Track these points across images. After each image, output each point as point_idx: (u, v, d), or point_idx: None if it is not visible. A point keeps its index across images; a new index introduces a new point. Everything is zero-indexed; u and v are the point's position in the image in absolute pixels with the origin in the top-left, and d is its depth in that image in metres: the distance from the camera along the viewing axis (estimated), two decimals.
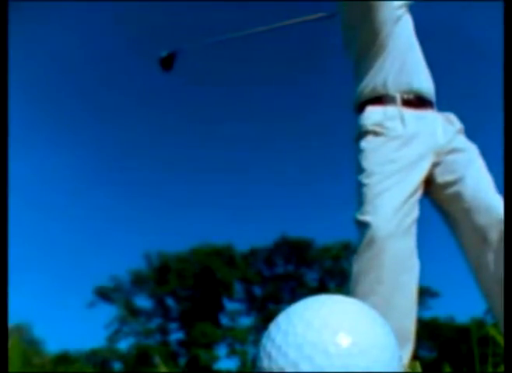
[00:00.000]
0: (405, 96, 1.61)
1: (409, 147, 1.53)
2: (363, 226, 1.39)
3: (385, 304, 1.28)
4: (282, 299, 21.13)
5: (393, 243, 1.36)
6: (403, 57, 1.66)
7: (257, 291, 22.19)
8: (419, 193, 1.51)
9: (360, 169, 1.52)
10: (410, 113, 1.59)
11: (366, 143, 1.56)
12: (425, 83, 1.68)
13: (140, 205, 28.54)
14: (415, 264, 1.43)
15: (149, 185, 31.01)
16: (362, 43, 1.69)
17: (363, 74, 1.68)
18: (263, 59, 28.78)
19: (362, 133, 1.59)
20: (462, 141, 1.63)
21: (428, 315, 19.76)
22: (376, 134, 1.55)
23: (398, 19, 1.69)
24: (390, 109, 1.58)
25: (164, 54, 1.79)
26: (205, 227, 29.59)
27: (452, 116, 1.68)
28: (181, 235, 30.21)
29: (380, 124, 1.56)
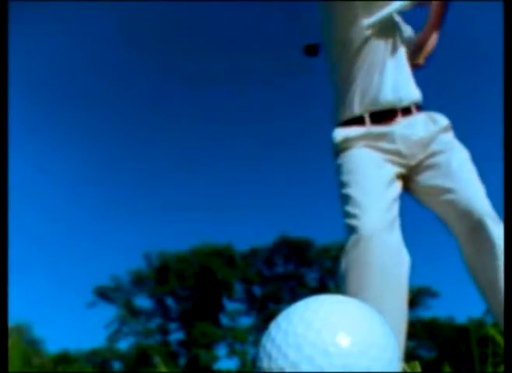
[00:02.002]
0: (373, 113, 1.64)
1: (377, 149, 1.60)
2: (351, 228, 1.43)
3: (374, 302, 1.28)
4: (282, 299, 21.15)
5: (379, 238, 1.38)
6: (370, 76, 1.66)
7: (257, 290, 22.21)
8: (395, 189, 1.55)
9: (341, 184, 1.56)
10: (379, 129, 1.62)
11: (340, 159, 1.62)
12: (394, 93, 1.66)
13: (140, 205, 28.54)
14: (404, 258, 1.44)
15: (149, 185, 30.99)
16: (333, 63, 1.75)
17: (334, 96, 1.76)
18: (264, 59, 28.81)
19: (335, 153, 1.66)
20: (443, 142, 1.61)
21: (428, 315, 19.78)
22: (346, 148, 1.62)
23: (367, 39, 1.66)
24: (358, 129, 1.63)
25: (311, 42, 1.75)
26: (205, 227, 29.58)
27: (436, 115, 1.66)
28: (181, 235, 30.19)
29: (346, 139, 1.62)
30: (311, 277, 22.00)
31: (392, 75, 1.66)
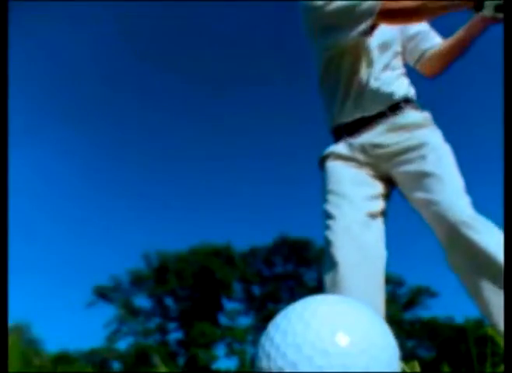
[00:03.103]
0: (348, 124, 1.66)
1: (351, 160, 1.63)
2: (325, 227, 1.53)
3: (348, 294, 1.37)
4: (281, 299, 21.15)
5: (348, 236, 1.46)
6: (346, 88, 1.67)
7: (257, 290, 22.23)
8: (368, 188, 1.58)
9: (323, 193, 1.63)
10: (351, 140, 1.64)
11: (323, 171, 1.67)
12: (356, 104, 1.66)
13: (139, 205, 28.55)
14: (378, 253, 1.49)
15: (149, 185, 31.03)
16: (319, 76, 1.76)
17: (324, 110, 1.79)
18: (266, 58, 28.81)
19: (320, 165, 1.71)
20: (411, 147, 1.58)
21: (427, 315, 19.81)
22: (325, 161, 1.68)
23: (344, 52, 1.66)
24: (339, 144, 1.67)
25: None
26: (204, 227, 29.64)
27: (405, 116, 1.62)
28: (180, 235, 30.24)
29: (328, 153, 1.68)
30: (310, 276, 22.05)
31: (360, 87, 1.64)
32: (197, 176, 31.52)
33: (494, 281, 1.32)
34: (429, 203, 1.47)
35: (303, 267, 22.23)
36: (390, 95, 1.64)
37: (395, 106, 1.63)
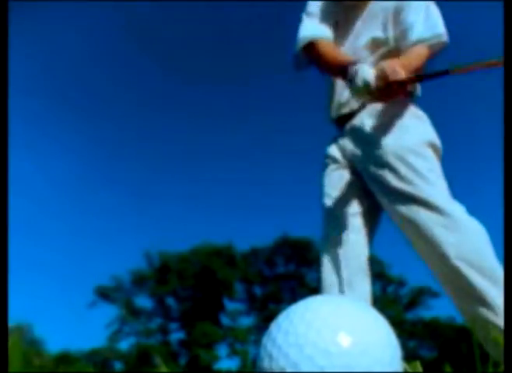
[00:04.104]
0: (334, 121, 1.69)
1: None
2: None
3: (328, 291, 1.59)
4: (282, 299, 21.13)
5: (338, 240, 1.59)
6: (334, 83, 1.69)
7: (258, 290, 22.21)
8: (351, 190, 1.61)
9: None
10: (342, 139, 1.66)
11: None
12: (336, 101, 1.68)
13: (140, 205, 28.55)
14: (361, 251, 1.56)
15: (150, 185, 31.05)
16: None
17: None
18: (269, 57, 28.82)
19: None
20: (357, 152, 1.60)
21: (429, 315, 19.79)
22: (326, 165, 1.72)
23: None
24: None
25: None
26: (206, 227, 29.63)
27: (381, 112, 1.58)
28: (182, 235, 30.25)
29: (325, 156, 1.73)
30: (312, 277, 21.99)
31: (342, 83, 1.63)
32: (198, 176, 31.52)
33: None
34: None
35: (304, 267, 22.23)
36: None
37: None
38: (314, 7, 1.71)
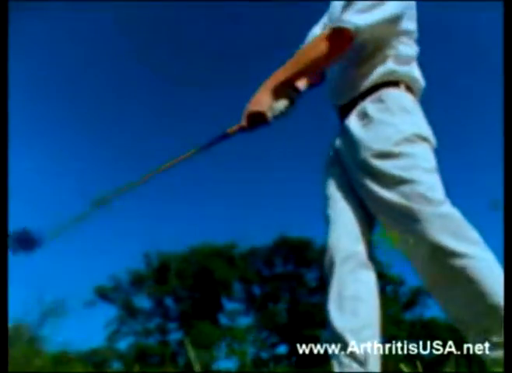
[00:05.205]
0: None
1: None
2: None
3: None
4: (281, 299, 21.13)
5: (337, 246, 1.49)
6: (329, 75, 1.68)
7: (257, 290, 22.21)
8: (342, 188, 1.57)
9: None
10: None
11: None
12: (332, 91, 1.65)
13: (140, 205, 28.51)
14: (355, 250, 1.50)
15: (149, 185, 30.97)
16: None
17: None
18: (271, 57, 28.84)
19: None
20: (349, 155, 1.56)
21: (428, 314, 19.81)
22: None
23: None
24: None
25: None
26: (205, 227, 29.65)
27: (365, 110, 1.51)
28: (180, 235, 30.25)
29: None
30: (310, 277, 22.02)
31: (338, 72, 1.61)
32: (197, 177, 31.50)
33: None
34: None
35: (303, 267, 22.21)
36: (355, 88, 1.60)
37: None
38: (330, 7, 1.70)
